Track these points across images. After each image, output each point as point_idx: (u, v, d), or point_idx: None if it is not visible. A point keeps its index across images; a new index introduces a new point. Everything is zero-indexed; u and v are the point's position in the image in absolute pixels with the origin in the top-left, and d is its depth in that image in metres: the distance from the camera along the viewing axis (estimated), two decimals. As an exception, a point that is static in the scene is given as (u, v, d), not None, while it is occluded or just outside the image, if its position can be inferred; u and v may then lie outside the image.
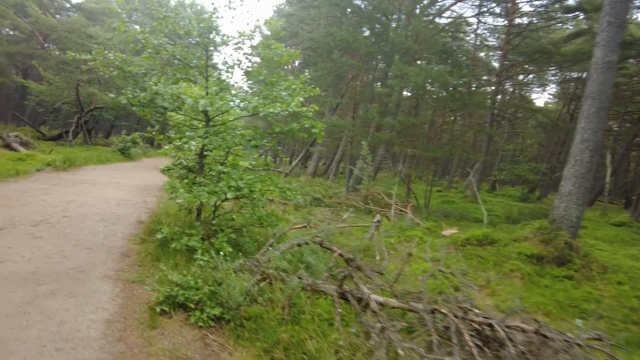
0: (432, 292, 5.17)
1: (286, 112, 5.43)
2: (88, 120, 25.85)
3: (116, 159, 19.89)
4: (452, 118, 35.90)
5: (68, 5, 35.37)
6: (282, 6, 30.46)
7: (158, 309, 3.66)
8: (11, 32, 35.78)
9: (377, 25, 15.71)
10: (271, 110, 5.32)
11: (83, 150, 22.10)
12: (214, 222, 5.63)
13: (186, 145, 11.84)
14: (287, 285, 3.91)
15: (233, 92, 5.87)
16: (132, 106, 5.72)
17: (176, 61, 6.29)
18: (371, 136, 14.30)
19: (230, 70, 6.22)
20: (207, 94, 6.12)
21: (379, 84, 22.85)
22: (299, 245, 5.04)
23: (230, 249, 5.00)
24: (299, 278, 4.13)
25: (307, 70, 6.58)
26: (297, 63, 24.00)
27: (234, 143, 5.80)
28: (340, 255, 5.16)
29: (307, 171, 24.70)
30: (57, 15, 33.89)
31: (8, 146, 19.04)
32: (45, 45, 29.83)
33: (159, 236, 5.13)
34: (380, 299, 4.09)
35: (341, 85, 20.89)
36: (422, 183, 25.72)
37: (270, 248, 4.89)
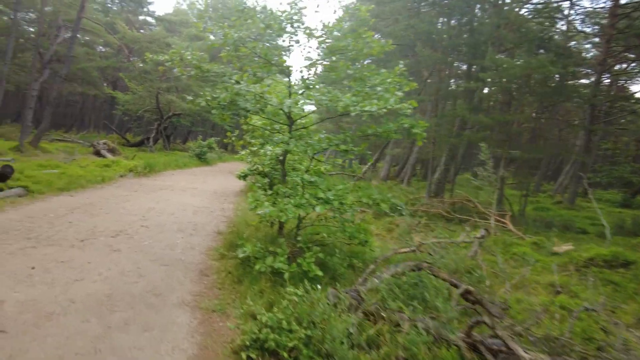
0: (577, 336, 3.99)
1: (383, 110, 4.56)
2: (167, 127, 27.04)
3: (193, 164, 20.38)
4: (535, 115, 32.68)
5: (150, 19, 37.64)
6: (352, 3, 29.69)
7: (244, 356, 2.96)
8: (103, 49, 38.98)
9: (459, 16, 14.36)
10: (367, 108, 4.48)
11: (162, 156, 23.04)
12: (298, 238, 4.91)
13: (262, 150, 11.34)
14: (402, 333, 3.02)
15: (317, 89, 5.12)
16: (211, 109, 5.21)
17: (257, 59, 5.70)
18: (455, 135, 12.99)
19: (314, 65, 5.50)
20: (290, 93, 5.46)
21: (458, 80, 21.18)
22: (404, 272, 4.14)
23: (320, 272, 4.23)
24: (414, 320, 3.23)
25: (401, 61, 5.66)
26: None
27: (320, 148, 5.04)
28: (453, 284, 4.17)
29: (379, 174, 23.63)
30: (142, 30, 36.21)
31: (98, 153, 20.31)
32: (131, 58, 31.94)
33: (240, 255, 4.52)
34: (526, 355, 3.05)
35: (418, 82, 19.63)
36: (506, 187, 23.44)
37: (370, 276, 4.04)
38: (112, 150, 21.12)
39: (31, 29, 33.10)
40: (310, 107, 6.56)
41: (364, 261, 5.11)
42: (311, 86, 5.24)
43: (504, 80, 11.08)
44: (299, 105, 4.75)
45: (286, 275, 4.10)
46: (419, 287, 3.96)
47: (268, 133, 6.11)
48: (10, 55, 17.23)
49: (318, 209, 4.44)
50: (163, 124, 25.41)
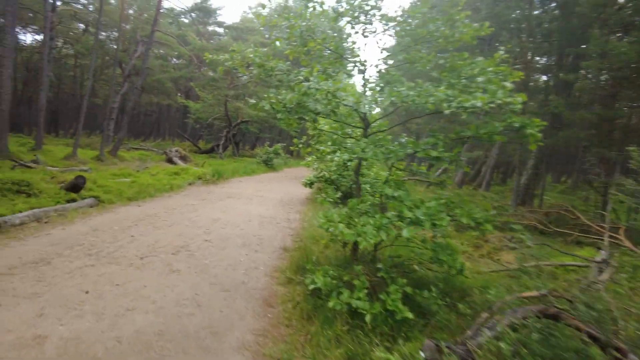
0: None
1: (490, 106, 3.57)
2: (235, 134, 27.51)
3: (260, 170, 20.31)
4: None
5: (219, 29, 38.93)
6: None
7: None
8: (176, 61, 41.09)
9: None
10: (469, 103, 3.52)
11: (231, 162, 23.34)
12: (378, 265, 4.03)
13: (329, 156, 10.54)
14: None
15: (402, 83, 4.22)
16: (276, 113, 4.53)
17: (327, 53, 4.95)
18: (549, 135, 11.28)
19: (394, 56, 4.62)
20: (365, 91, 4.63)
21: (535, 74, 18.94)
22: (524, 319, 3.10)
23: (410, 314, 3.33)
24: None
25: (502, 48, 4.57)
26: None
27: (404, 154, 4.13)
28: (592, 337, 3.06)
29: (454, 180, 21.93)
30: (211, 40, 37.58)
31: (170, 160, 21.00)
32: (202, 68, 33.19)
33: (310, 286, 3.77)
34: None
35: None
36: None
37: (482, 326, 3.05)
38: (183, 158, 21.77)
39: (115, 47, 35.75)
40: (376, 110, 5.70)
41: (463, 295, 4.11)
42: (391, 81, 4.36)
43: (614, 66, 9.31)
44: (378, 104, 3.91)
45: (368, 318, 3.27)
46: (551, 342, 2.91)
47: (338, 138, 5.31)
48: (92, 72, 18.26)
49: (405, 232, 3.55)
50: (232, 131, 25.86)
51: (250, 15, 40.12)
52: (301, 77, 4.12)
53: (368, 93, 4.48)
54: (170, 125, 46.99)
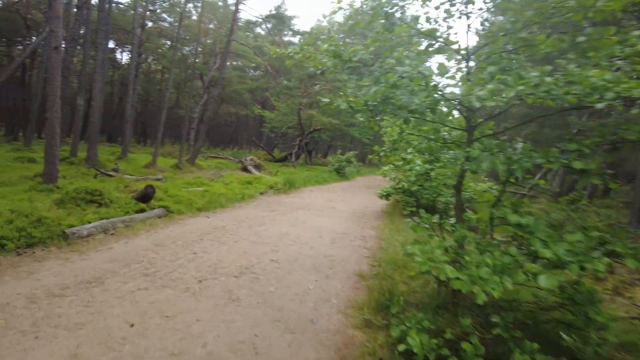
0: None
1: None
2: (308, 142, 27.23)
3: (332, 179, 19.62)
4: None
5: (294, 39, 39.36)
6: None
7: None
8: (253, 72, 42.37)
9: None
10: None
11: (303, 171, 22.99)
12: (494, 318, 2.93)
13: (408, 166, 9.42)
14: None
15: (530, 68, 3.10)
16: (355, 113, 3.64)
17: (417, 39, 3.98)
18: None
19: (515, 33, 3.52)
20: (467, 82, 3.57)
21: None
22: None
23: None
24: None
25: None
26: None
27: (530, 165, 2.99)
28: None
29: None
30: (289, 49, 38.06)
31: (245, 169, 21.15)
32: (279, 78, 33.69)
33: (400, 347, 2.79)
34: None
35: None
36: None
37: None
38: (257, 166, 21.85)
39: (197, 61, 37.68)
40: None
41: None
42: (507, 68, 3.26)
43: None
44: (495, 98, 2.86)
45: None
46: None
47: (432, 145, 4.27)
48: (171, 84, 18.94)
49: (543, 281, 2.45)
50: (304, 139, 25.59)
51: (325, 24, 40.13)
52: (392, 61, 3.18)
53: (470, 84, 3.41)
54: (247, 135, 48.54)
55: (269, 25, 26.69)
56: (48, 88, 7.77)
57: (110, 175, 10.96)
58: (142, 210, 7.65)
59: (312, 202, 11.89)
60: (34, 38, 24.90)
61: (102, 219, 6.72)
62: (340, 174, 20.85)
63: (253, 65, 40.09)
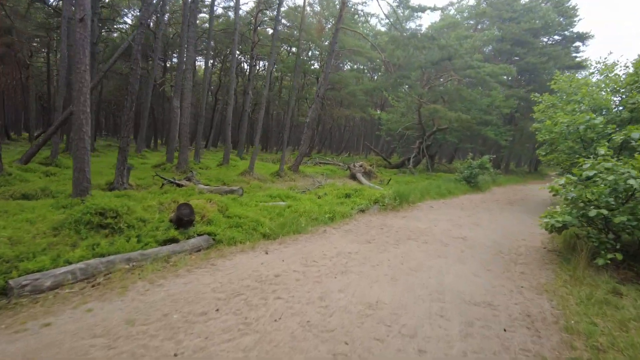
0: None
1: None
2: (430, 145, 23.26)
3: (460, 190, 15.53)
4: None
5: (419, 28, 35.50)
6: None
7: None
8: (371, 74, 39.65)
9: None
10: None
11: (423, 179, 19.25)
12: None
13: (599, 177, 5.24)
14: None
15: None
16: None
17: None
18: None
19: None
20: None
21: None
22: None
23: None
24: None
25: None
26: None
27: None
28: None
29: None
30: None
31: (353, 177, 18.39)
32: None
33: None
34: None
35: None
36: None
37: None
38: (367, 173, 18.88)
39: (313, 63, 36.51)
40: None
41: None
42: None
43: None
44: None
45: None
46: None
47: None
48: (296, 90, 17.10)
49: None
50: (425, 141, 21.75)
51: (452, 11, 35.37)
52: None
53: None
54: (364, 139, 46.03)
55: (391, 20, 23.29)
56: (74, 74, 6.00)
57: (180, 185, 9.16)
58: (173, 240, 5.30)
59: (431, 226, 8.39)
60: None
61: (101, 255, 4.50)
62: (470, 183, 16.59)
63: (371, 65, 37.43)
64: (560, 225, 5.72)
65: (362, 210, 9.40)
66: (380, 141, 36.19)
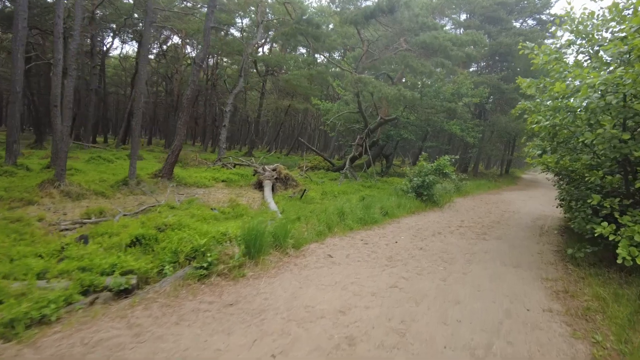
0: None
1: None
2: (377, 142, 17.96)
3: (404, 209, 10.10)
4: None
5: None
6: None
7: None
8: (321, 57, 34.08)
9: None
10: None
11: (363, 188, 13.90)
12: None
13: None
14: None
15: None
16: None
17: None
18: None
19: None
20: None
21: None
22: None
23: None
24: None
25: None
26: None
27: None
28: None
29: None
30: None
31: (261, 185, 12.85)
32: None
33: None
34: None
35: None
36: None
37: None
38: (284, 180, 13.32)
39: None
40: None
41: None
42: None
43: None
44: None
45: None
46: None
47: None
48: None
49: None
50: (369, 136, 16.42)
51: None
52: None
53: None
54: (319, 136, 40.64)
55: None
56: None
57: None
58: None
59: (328, 305, 3.10)
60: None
61: None
62: (422, 197, 11.31)
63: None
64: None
65: (218, 273, 3.91)
66: (332, 140, 30.82)
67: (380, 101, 15.98)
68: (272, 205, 9.01)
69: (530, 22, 29.97)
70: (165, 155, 22.37)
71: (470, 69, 28.59)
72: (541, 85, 6.14)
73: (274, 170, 13.21)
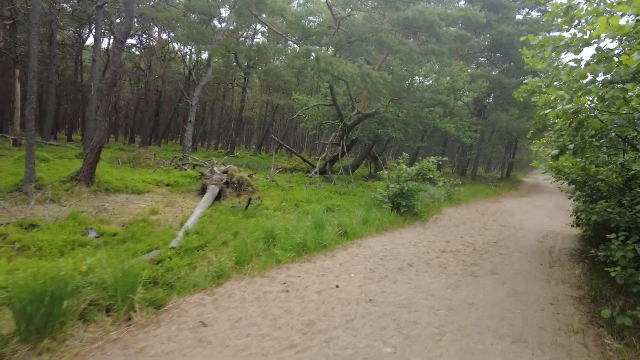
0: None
1: None
2: (357, 141, 15.64)
3: (372, 226, 7.83)
4: None
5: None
6: None
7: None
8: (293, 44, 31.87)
9: None
10: None
11: (335, 195, 11.63)
12: None
13: None
14: None
15: None
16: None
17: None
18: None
19: None
20: None
21: None
22: None
23: None
24: None
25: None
26: None
27: None
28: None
29: None
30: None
31: (204, 190, 10.59)
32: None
33: None
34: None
35: None
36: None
37: None
38: (237, 185, 11.05)
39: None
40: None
41: None
42: None
43: None
44: None
45: None
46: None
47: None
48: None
49: None
50: (348, 134, 14.11)
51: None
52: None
53: None
54: (296, 136, 38.35)
55: None
56: None
57: None
58: None
59: None
60: None
61: None
62: (400, 208, 8.98)
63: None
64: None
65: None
66: (317, 137, 28.47)
67: (357, 90, 13.66)
68: (192, 220, 6.73)
69: (535, 13, 27.69)
70: (128, 152, 20.24)
71: (470, 65, 26.22)
72: (562, 43, 3.81)
73: (224, 172, 10.90)
